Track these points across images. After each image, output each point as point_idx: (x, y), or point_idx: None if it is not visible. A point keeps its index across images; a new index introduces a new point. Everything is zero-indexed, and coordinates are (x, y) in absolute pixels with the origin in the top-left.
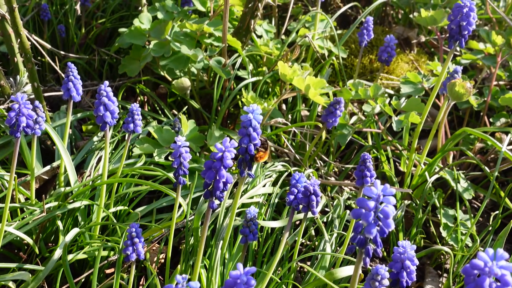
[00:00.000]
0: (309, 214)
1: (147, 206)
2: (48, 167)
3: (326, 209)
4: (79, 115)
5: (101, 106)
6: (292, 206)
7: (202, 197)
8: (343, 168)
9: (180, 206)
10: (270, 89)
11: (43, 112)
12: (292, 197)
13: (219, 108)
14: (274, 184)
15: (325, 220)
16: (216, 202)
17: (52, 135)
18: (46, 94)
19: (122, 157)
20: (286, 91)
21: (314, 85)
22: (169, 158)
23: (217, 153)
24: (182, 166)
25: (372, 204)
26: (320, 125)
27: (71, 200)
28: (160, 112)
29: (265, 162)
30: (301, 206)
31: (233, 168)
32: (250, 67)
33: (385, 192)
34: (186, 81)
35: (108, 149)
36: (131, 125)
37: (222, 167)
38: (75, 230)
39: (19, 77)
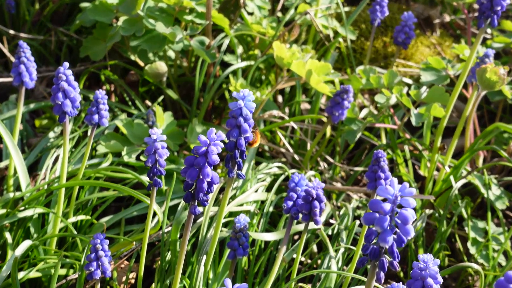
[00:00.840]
0: (311, 225)
1: (115, 215)
2: None
3: (331, 220)
4: (31, 106)
5: (59, 93)
6: (290, 214)
7: (180, 204)
8: (352, 172)
9: (154, 214)
10: (263, 77)
11: None
12: (290, 203)
13: (201, 99)
14: (268, 189)
15: (330, 233)
16: (199, 207)
17: (1, 131)
18: None
19: (84, 156)
20: (283, 79)
21: (317, 70)
22: (141, 157)
23: (201, 147)
24: (157, 165)
25: (387, 206)
26: (324, 119)
27: (22, 208)
28: (130, 103)
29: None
30: (301, 215)
31: (219, 171)
32: (240, 49)
33: (404, 192)
34: (161, 66)
35: (68, 146)
36: (96, 117)
37: (206, 164)
38: (27, 243)
39: None
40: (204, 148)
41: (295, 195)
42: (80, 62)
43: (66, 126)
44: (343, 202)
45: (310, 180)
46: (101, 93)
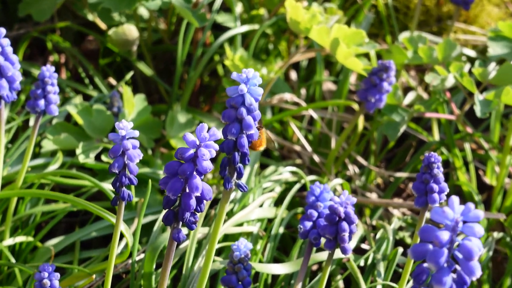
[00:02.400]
0: (337, 253)
1: (66, 236)
2: None
3: (364, 245)
4: None
5: None
6: (308, 239)
7: (157, 223)
8: (392, 179)
9: (121, 237)
10: (270, 46)
11: None
12: (308, 224)
13: (185, 76)
14: (277, 203)
15: (362, 264)
16: (184, 231)
17: None
18: None
19: (26, 155)
20: (299, 50)
21: (346, 39)
22: (102, 157)
23: (187, 150)
24: (127, 171)
25: (445, 236)
26: (355, 106)
27: None
28: (87, 81)
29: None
30: (323, 240)
31: (210, 176)
32: (239, 8)
33: (467, 215)
34: (131, 31)
35: (3, 141)
36: (41, 102)
37: (195, 173)
38: None
39: None
40: (192, 151)
41: (315, 214)
42: (19, 23)
43: (1, 115)
44: (380, 221)
45: (335, 192)
46: (48, 70)
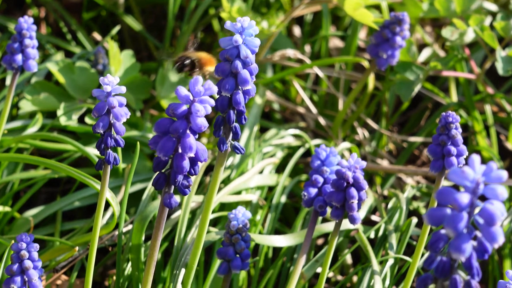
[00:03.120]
0: (344, 223)
1: (46, 206)
2: None
3: (374, 216)
4: None
5: None
6: (313, 208)
7: (147, 190)
8: (405, 144)
9: (107, 206)
10: None
11: None
12: (313, 191)
13: (178, 32)
14: (279, 169)
15: (372, 236)
16: (176, 197)
17: None
18: None
19: (1, 116)
20: (303, 1)
21: None
22: (86, 119)
23: (180, 106)
24: (112, 131)
25: (465, 198)
26: (365, 63)
27: None
28: (69, 36)
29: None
30: (329, 209)
31: (205, 141)
32: None
33: (489, 176)
34: None
35: None
36: (19, 57)
37: (188, 131)
38: None
39: None
40: (185, 107)
41: (320, 179)
42: None
43: None
44: (392, 189)
45: (343, 157)
46: (26, 22)
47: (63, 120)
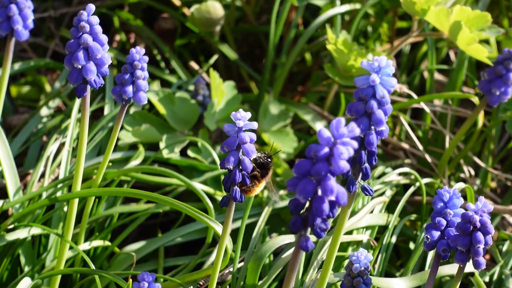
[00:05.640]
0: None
1: (148, 242)
2: None
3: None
4: (16, 67)
5: (79, 52)
6: (436, 251)
7: (257, 226)
8: (510, 182)
9: (214, 242)
10: (369, 28)
11: None
12: (436, 234)
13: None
14: (388, 208)
15: (487, 280)
16: (312, 238)
17: None
18: None
19: (108, 148)
20: (412, 33)
21: (469, 23)
22: (189, 152)
23: (322, 147)
24: (241, 168)
25: None
26: (475, 100)
27: (11, 226)
28: (163, 64)
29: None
30: (451, 254)
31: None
32: None
33: None
34: (216, 9)
35: (86, 134)
36: (129, 89)
37: (329, 174)
38: (26, 283)
39: None
40: (326, 149)
41: (444, 222)
42: None
43: (85, 103)
44: (502, 230)
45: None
46: (138, 53)
47: (165, 153)
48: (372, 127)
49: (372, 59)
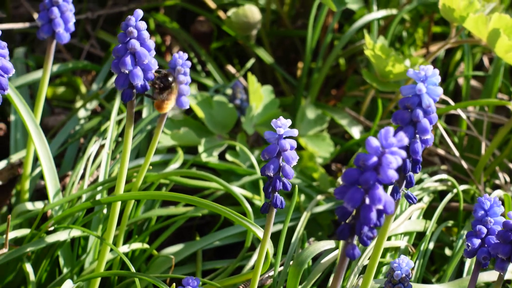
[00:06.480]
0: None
1: (186, 245)
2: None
3: None
4: (54, 68)
5: (127, 57)
6: (477, 259)
7: (296, 232)
8: None
9: (252, 247)
10: (404, 33)
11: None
12: (477, 242)
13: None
14: (425, 214)
15: None
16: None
17: (17, 103)
18: None
19: (149, 151)
20: (450, 39)
21: (507, 30)
22: (227, 156)
23: (371, 156)
24: (281, 175)
25: None
26: (511, 106)
27: (51, 228)
28: (199, 67)
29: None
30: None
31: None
32: None
33: None
34: (253, 13)
35: (131, 138)
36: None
37: (377, 183)
38: (68, 285)
39: None
40: (375, 159)
41: (484, 230)
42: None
43: (131, 108)
44: None
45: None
46: (181, 57)
47: (204, 157)
48: (417, 135)
49: (419, 68)
